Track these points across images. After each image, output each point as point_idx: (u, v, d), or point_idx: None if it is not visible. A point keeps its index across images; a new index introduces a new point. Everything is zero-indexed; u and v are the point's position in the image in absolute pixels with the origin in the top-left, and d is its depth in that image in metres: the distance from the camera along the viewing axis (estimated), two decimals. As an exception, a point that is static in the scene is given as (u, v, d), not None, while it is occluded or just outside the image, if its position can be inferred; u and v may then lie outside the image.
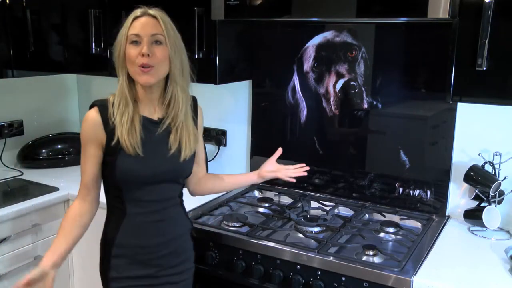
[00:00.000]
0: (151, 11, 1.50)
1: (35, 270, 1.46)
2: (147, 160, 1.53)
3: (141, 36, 1.47)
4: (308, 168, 1.88)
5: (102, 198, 1.64)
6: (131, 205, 1.56)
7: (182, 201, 1.69)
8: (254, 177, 1.89)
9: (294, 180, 1.87)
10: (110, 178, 1.57)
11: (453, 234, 1.86)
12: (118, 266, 1.58)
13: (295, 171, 1.88)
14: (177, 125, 1.57)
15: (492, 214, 1.82)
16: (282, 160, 2.32)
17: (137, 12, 1.50)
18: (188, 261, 1.69)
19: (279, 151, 1.91)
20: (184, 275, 1.67)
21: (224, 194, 2.24)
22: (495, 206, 1.84)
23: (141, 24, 1.48)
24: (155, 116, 1.58)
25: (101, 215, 2.14)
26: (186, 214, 1.70)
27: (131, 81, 1.53)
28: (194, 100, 1.71)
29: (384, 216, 2.03)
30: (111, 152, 1.52)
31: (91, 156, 1.54)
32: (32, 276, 1.44)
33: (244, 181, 1.91)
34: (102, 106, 1.54)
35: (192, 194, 1.83)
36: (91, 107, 1.56)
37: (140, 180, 1.54)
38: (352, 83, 2.10)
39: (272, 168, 1.89)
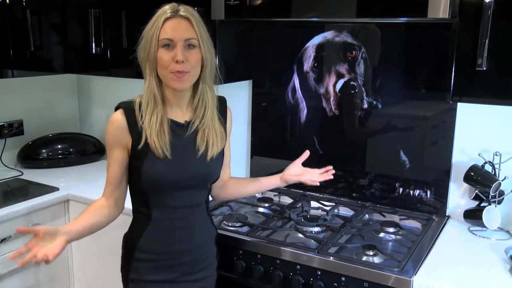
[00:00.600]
0: (182, 12, 1.43)
1: (50, 226, 1.42)
2: (175, 164, 1.48)
3: (174, 41, 1.41)
4: (334, 171, 1.79)
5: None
6: (157, 210, 1.53)
7: (208, 207, 1.65)
8: (277, 181, 1.78)
9: (318, 184, 1.77)
10: (136, 183, 1.53)
11: (453, 234, 1.86)
12: (139, 269, 1.56)
13: (321, 175, 1.77)
14: (204, 125, 1.53)
15: (492, 214, 1.82)
16: (282, 160, 2.33)
17: (167, 11, 1.42)
18: (210, 268, 1.65)
19: (306, 153, 1.78)
20: (204, 283, 1.63)
21: (224, 194, 2.24)
22: (495, 206, 1.84)
23: (173, 27, 1.41)
24: (182, 119, 1.53)
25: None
26: (211, 220, 1.66)
27: (159, 82, 1.48)
28: (224, 101, 1.66)
29: (384, 216, 2.03)
30: (138, 155, 1.48)
31: (116, 159, 1.51)
32: (45, 229, 1.40)
33: (267, 185, 1.80)
34: (128, 108, 1.49)
35: (216, 198, 1.78)
36: (116, 109, 1.51)
37: (167, 186, 1.49)
38: (352, 83, 2.10)
39: (297, 171, 1.77)
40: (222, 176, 1.68)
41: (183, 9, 1.44)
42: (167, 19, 1.41)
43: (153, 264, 1.55)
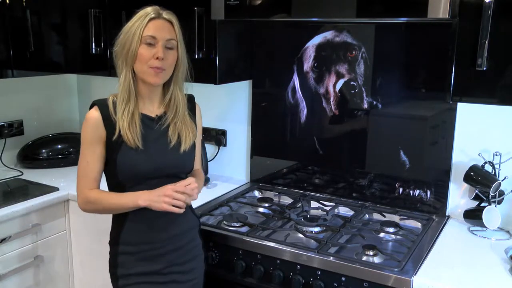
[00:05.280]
0: (165, 15, 1.55)
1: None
2: (147, 153, 1.56)
3: (157, 39, 1.52)
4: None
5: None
6: None
7: None
8: None
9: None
10: (113, 176, 1.60)
11: (453, 234, 1.86)
12: (125, 263, 1.61)
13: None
14: (176, 121, 1.62)
15: (492, 214, 1.82)
16: (282, 160, 2.34)
17: (151, 12, 1.53)
18: (196, 260, 1.70)
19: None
20: (192, 274, 1.68)
21: (224, 194, 2.24)
22: (495, 206, 1.84)
23: (157, 27, 1.52)
24: (153, 113, 1.63)
25: (97, 216, 2.14)
26: (192, 211, 1.73)
27: (133, 77, 1.57)
28: (192, 98, 1.74)
29: (384, 216, 2.03)
30: (112, 148, 1.55)
31: (97, 154, 1.57)
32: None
33: None
34: (102, 104, 1.58)
35: None
36: (91, 107, 1.59)
37: (141, 175, 1.56)
38: (352, 83, 2.10)
39: None
40: (194, 167, 1.76)
41: (166, 13, 1.56)
42: (151, 19, 1.52)
43: (137, 256, 1.61)
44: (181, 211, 1.53)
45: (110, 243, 1.66)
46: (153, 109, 1.63)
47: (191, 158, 1.67)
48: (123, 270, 1.62)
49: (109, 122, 1.55)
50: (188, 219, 1.69)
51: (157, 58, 1.51)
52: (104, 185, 1.63)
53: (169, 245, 1.62)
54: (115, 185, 1.61)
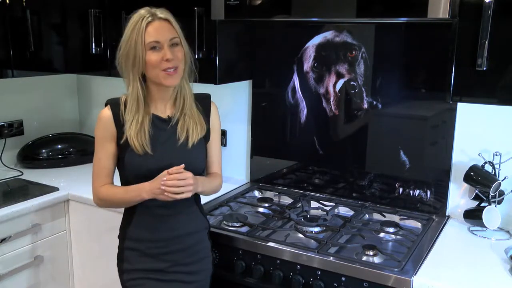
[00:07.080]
0: (160, 14, 1.53)
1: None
2: (155, 156, 1.57)
3: (161, 42, 1.52)
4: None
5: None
6: None
7: (197, 199, 1.70)
8: None
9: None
10: (122, 173, 1.64)
11: (453, 234, 1.86)
12: (130, 258, 1.64)
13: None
14: (184, 115, 1.62)
15: (492, 214, 1.82)
16: (282, 160, 2.33)
17: (146, 15, 1.52)
18: (203, 261, 1.70)
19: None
20: (198, 276, 1.69)
21: (224, 194, 2.24)
22: (495, 206, 1.84)
23: (156, 29, 1.51)
24: (165, 114, 1.63)
25: (97, 216, 2.15)
26: (202, 212, 1.73)
27: (143, 83, 1.58)
28: (207, 96, 1.74)
29: (384, 216, 2.03)
30: (122, 148, 1.59)
31: (109, 152, 1.61)
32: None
33: None
34: (114, 104, 1.60)
35: None
36: (105, 105, 1.63)
37: (149, 175, 1.56)
38: (352, 83, 2.10)
39: None
40: (211, 170, 1.75)
41: (160, 12, 1.54)
42: (148, 23, 1.51)
43: (142, 252, 1.63)
44: (183, 196, 1.50)
45: (118, 237, 1.69)
46: (164, 109, 1.63)
47: (201, 155, 1.66)
48: (128, 265, 1.64)
49: (119, 122, 1.58)
50: (197, 220, 1.69)
51: (167, 60, 1.51)
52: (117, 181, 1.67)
53: (174, 245, 1.63)
54: (125, 181, 1.64)
